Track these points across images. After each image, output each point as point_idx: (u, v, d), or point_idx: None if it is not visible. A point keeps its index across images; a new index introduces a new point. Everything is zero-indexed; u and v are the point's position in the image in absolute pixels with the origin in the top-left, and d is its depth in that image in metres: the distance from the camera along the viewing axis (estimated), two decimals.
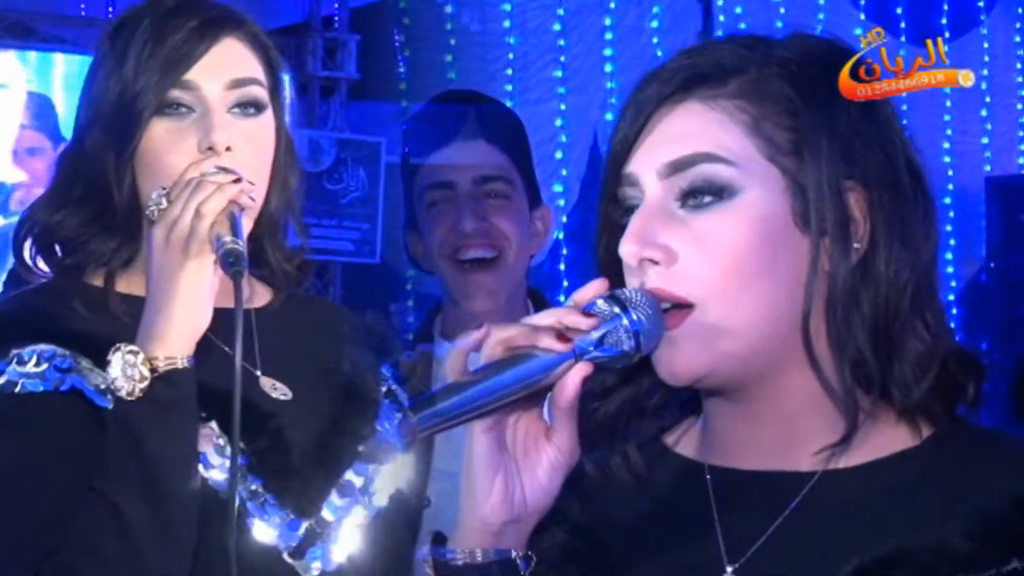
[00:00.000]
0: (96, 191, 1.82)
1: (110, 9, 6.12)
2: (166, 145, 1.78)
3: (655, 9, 7.96)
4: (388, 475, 1.88)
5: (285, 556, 1.77)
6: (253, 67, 1.85)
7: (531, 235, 2.62)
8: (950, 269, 8.21)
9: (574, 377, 1.25)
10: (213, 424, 1.74)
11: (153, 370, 1.64)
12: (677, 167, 1.28)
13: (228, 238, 1.64)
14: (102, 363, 1.66)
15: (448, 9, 7.86)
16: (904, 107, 1.35)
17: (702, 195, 1.27)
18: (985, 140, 8.55)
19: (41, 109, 6.98)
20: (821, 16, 8.09)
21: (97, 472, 1.64)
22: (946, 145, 8.40)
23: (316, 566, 1.79)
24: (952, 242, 8.26)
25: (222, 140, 1.76)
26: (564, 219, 7.35)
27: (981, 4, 8.58)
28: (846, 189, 1.27)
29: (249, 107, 1.82)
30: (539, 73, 7.99)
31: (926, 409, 1.30)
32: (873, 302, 1.27)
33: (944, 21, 8.39)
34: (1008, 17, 8.66)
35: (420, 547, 1.33)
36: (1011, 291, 7.99)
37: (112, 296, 1.81)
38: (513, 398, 1.24)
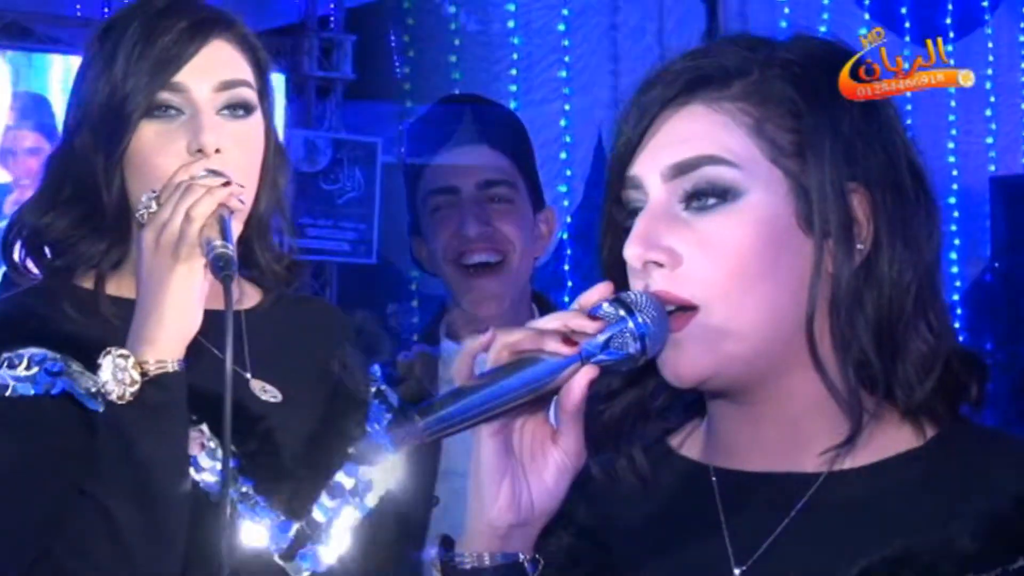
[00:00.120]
0: (85, 193, 1.82)
1: (106, 10, 6.12)
2: (155, 147, 1.78)
3: (660, 9, 7.95)
4: (378, 476, 1.88)
5: (276, 558, 1.77)
6: (242, 69, 1.84)
7: (535, 238, 2.63)
8: (954, 269, 8.20)
9: (580, 380, 1.25)
10: (204, 427, 1.74)
11: (143, 374, 1.64)
12: (681, 169, 1.28)
13: (218, 242, 1.64)
14: (93, 366, 1.66)
15: (452, 9, 7.86)
16: (908, 107, 1.35)
17: (706, 197, 1.28)
18: (989, 140, 8.54)
19: (37, 109, 6.99)
20: (825, 16, 8.08)
21: (88, 475, 1.64)
22: (950, 145, 8.39)
23: (306, 567, 1.79)
24: (956, 242, 8.25)
25: (211, 142, 1.76)
26: (568, 220, 7.35)
27: (985, 4, 8.57)
28: (849, 191, 1.27)
29: (238, 109, 1.82)
30: (543, 73, 7.98)
31: (930, 409, 1.30)
32: (876, 303, 1.27)
33: (948, 21, 8.39)
34: (1012, 17, 8.65)
35: (428, 548, 1.34)
36: (1015, 291, 7.98)
37: (102, 299, 1.81)
38: (519, 402, 1.24)
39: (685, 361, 1.28)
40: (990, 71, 8.51)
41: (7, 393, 1.70)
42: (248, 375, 1.86)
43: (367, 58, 8.08)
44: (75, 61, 1.92)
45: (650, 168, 1.30)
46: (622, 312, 1.25)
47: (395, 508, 1.92)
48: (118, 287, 1.83)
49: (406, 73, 8.11)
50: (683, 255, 1.27)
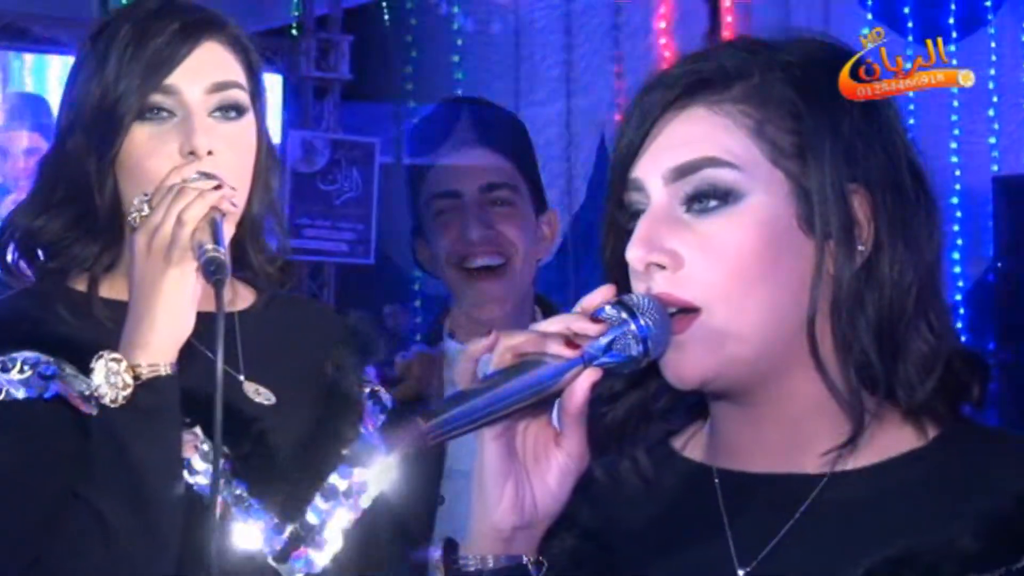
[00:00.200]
0: (78, 195, 1.82)
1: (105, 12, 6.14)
2: (147, 150, 1.78)
3: (662, 9, 7.95)
4: (372, 478, 1.87)
5: (269, 560, 1.77)
6: (234, 70, 1.84)
7: (537, 240, 2.63)
8: (957, 269, 8.19)
9: (583, 383, 1.25)
10: (197, 430, 1.74)
11: (136, 377, 1.63)
12: (682, 172, 1.29)
13: (210, 246, 1.64)
14: (86, 368, 1.66)
15: (455, 9, 7.87)
16: (911, 107, 1.35)
17: (707, 199, 1.28)
18: (992, 140, 8.54)
19: (33, 109, 7.00)
20: (828, 16, 8.08)
21: (82, 479, 1.64)
22: (953, 145, 8.38)
23: (300, 569, 1.79)
24: (959, 242, 8.25)
25: (203, 144, 1.76)
26: (571, 220, 7.35)
27: (988, 4, 8.56)
28: (850, 192, 1.28)
29: (230, 111, 1.82)
30: (546, 73, 7.99)
31: (931, 409, 1.30)
32: (877, 304, 1.27)
33: (951, 21, 8.38)
34: (1015, 17, 8.64)
35: (432, 550, 1.34)
36: (1018, 291, 7.97)
37: (95, 301, 1.81)
38: (522, 405, 1.25)
39: (687, 363, 1.28)
40: (993, 71, 8.51)
41: (1, 397, 1.70)
42: (241, 377, 1.86)
43: (364, 59, 8.08)
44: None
45: (651, 171, 1.31)
46: (624, 315, 1.26)
47: (389, 510, 1.92)
48: (111, 289, 1.83)
49: (408, 73, 8.12)
50: (685, 257, 1.27)
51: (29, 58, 7.43)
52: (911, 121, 1.28)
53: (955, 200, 8.28)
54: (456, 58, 7.96)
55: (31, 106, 6.98)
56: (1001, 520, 1.21)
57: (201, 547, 1.63)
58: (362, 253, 7.84)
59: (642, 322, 1.25)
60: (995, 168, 8.50)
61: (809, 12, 7.98)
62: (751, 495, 1.33)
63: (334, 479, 1.84)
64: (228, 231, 1.72)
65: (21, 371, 1.70)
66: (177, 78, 1.79)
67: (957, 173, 8.39)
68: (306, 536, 1.79)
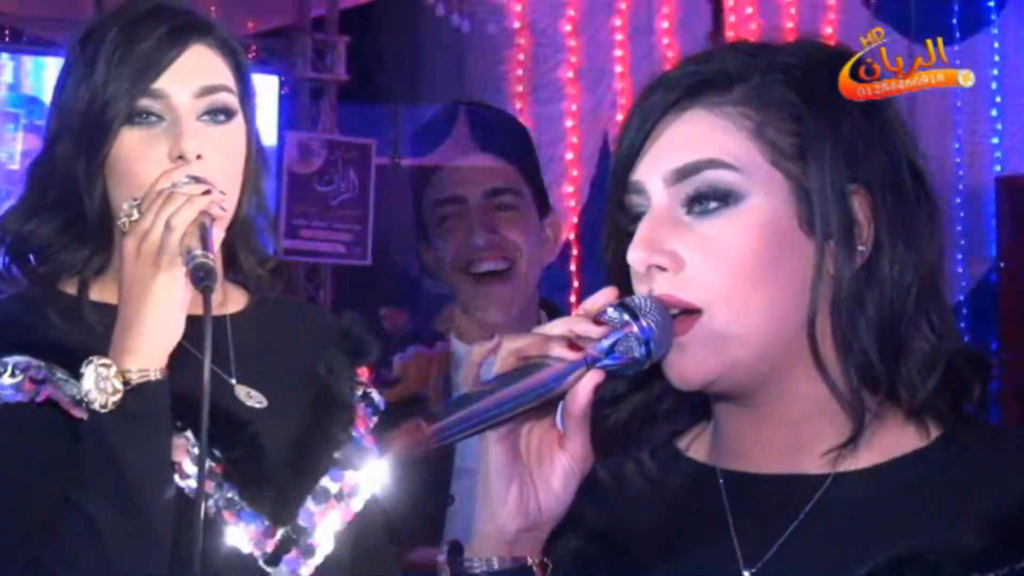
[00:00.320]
0: (67, 200, 1.81)
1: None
2: (136, 155, 1.77)
3: (665, 9, 7.95)
4: (364, 480, 1.88)
5: (261, 563, 1.76)
6: (222, 73, 1.83)
7: (541, 243, 2.65)
8: (959, 269, 8.20)
9: (586, 385, 1.26)
10: (188, 434, 1.73)
11: (126, 383, 1.63)
12: (683, 174, 1.29)
13: (199, 251, 1.63)
14: (77, 372, 1.65)
15: (464, 9, 7.86)
16: (914, 107, 1.35)
17: (708, 201, 1.28)
18: (995, 140, 8.54)
19: (31, 111, 7.02)
20: (831, 16, 8.08)
21: (73, 483, 1.63)
22: (956, 145, 8.39)
23: (292, 572, 1.79)
24: (962, 242, 8.25)
25: (192, 149, 1.75)
26: (574, 220, 7.35)
27: (992, 4, 8.57)
28: (850, 192, 1.28)
29: (219, 114, 1.81)
30: (549, 73, 7.99)
31: (933, 409, 1.30)
32: (878, 304, 1.28)
33: (954, 21, 8.39)
34: (1019, 17, 8.64)
35: (438, 551, 1.35)
36: (1020, 291, 7.98)
37: (86, 305, 1.80)
38: (526, 407, 1.25)
39: (690, 364, 1.28)
40: (996, 71, 8.52)
41: None
42: (233, 381, 1.85)
43: (361, 60, 8.08)
44: None
45: (652, 173, 1.31)
46: (627, 317, 1.26)
47: (381, 512, 1.92)
48: (102, 293, 1.82)
49: (409, 74, 8.11)
50: (686, 259, 1.28)
51: (27, 60, 7.45)
52: (913, 121, 1.27)
53: (958, 200, 8.28)
54: (460, 58, 7.95)
55: (27, 107, 7.01)
56: (1005, 519, 1.21)
57: (192, 550, 1.63)
58: (359, 254, 7.85)
59: (644, 324, 1.25)
60: (997, 168, 8.51)
61: (811, 12, 7.98)
62: (755, 496, 1.33)
63: (325, 482, 1.84)
64: (218, 235, 1.72)
65: (12, 375, 1.69)
66: (165, 82, 1.78)
67: (960, 173, 8.39)
68: (297, 539, 1.79)
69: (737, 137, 1.29)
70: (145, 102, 1.77)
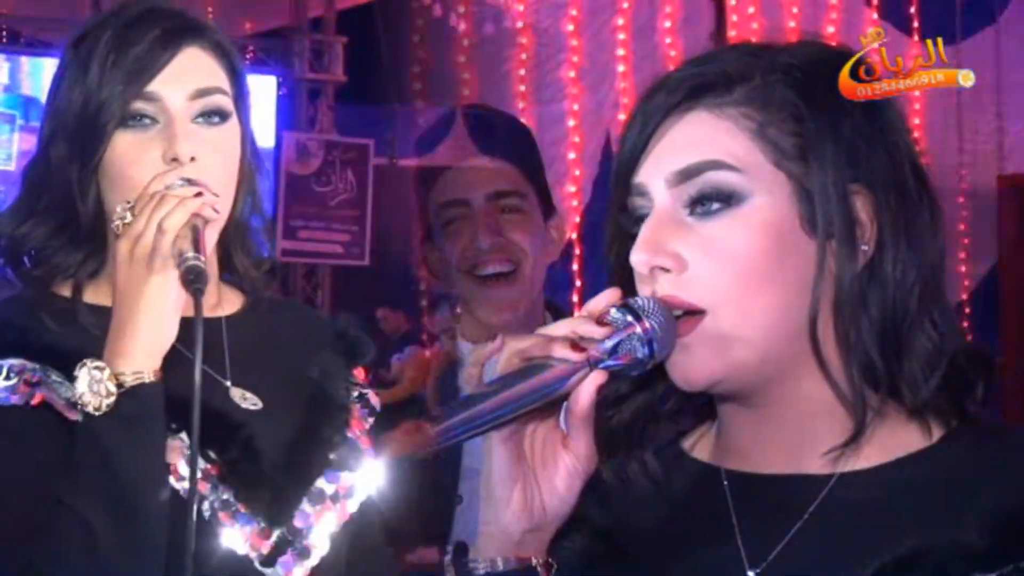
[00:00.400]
0: (62, 203, 1.81)
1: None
2: (130, 157, 1.77)
3: (668, 9, 7.95)
4: (359, 481, 1.88)
5: (256, 565, 1.76)
6: (216, 76, 1.83)
7: (546, 245, 2.66)
8: (962, 268, 8.19)
9: (589, 386, 1.26)
10: (183, 435, 1.73)
11: (120, 385, 1.63)
12: (685, 175, 1.29)
13: (190, 254, 1.63)
14: (72, 375, 1.65)
15: (461, 9, 7.87)
16: (917, 106, 1.35)
17: (710, 202, 1.28)
18: (998, 139, 8.54)
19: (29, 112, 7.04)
20: (833, 15, 8.07)
21: (67, 485, 1.63)
22: (958, 144, 8.38)
23: (287, 574, 1.79)
24: (964, 241, 8.25)
25: (186, 151, 1.75)
26: (577, 219, 7.35)
27: (994, 3, 8.56)
28: (852, 192, 1.28)
29: (213, 116, 1.81)
30: (551, 73, 7.99)
31: (937, 408, 1.31)
32: (880, 304, 1.28)
33: (957, 20, 8.38)
34: (1022, 16, 8.64)
35: (446, 550, 1.35)
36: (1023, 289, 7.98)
37: (80, 307, 1.80)
38: (530, 408, 1.25)
39: (694, 365, 1.29)
40: (999, 70, 8.50)
41: None
42: (228, 383, 1.86)
43: (358, 60, 8.09)
44: None
45: (655, 175, 1.31)
46: (630, 317, 1.26)
47: (378, 513, 1.92)
48: (96, 295, 1.82)
49: (415, 73, 8.12)
50: (689, 260, 1.28)
51: (25, 61, 7.46)
52: (916, 120, 1.27)
53: (960, 199, 8.27)
54: (462, 58, 7.96)
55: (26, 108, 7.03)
56: (1009, 517, 1.22)
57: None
58: (356, 255, 7.85)
59: (647, 325, 1.25)
60: (1000, 167, 8.50)
61: (814, 11, 7.97)
62: (760, 496, 1.33)
63: (321, 483, 1.84)
64: (211, 237, 1.73)
65: (7, 378, 1.69)
66: (159, 85, 1.78)
67: (963, 172, 8.39)
68: (293, 540, 1.79)
69: (739, 138, 1.29)
70: (139, 105, 1.78)
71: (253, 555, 1.76)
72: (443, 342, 2.68)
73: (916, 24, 8.11)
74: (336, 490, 1.85)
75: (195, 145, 1.76)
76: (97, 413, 1.62)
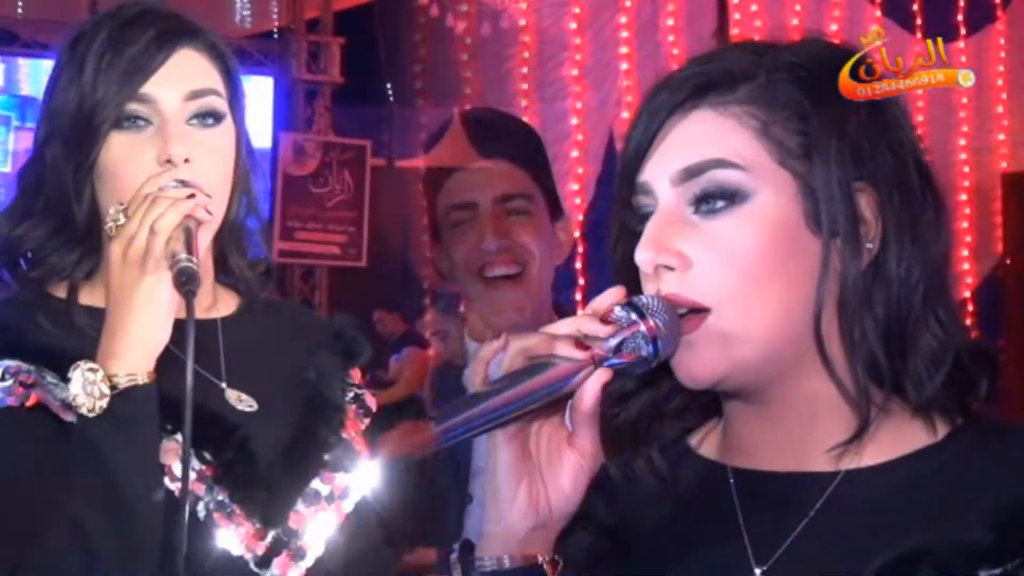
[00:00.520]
0: (57, 204, 1.81)
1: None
2: (124, 159, 1.77)
3: (670, 7, 7.95)
4: (354, 482, 1.88)
5: (252, 566, 1.77)
6: (211, 77, 1.83)
7: (553, 247, 2.66)
8: (966, 266, 8.19)
9: (594, 384, 1.26)
10: (178, 437, 1.72)
11: (113, 387, 1.63)
12: (690, 173, 1.30)
13: (183, 255, 1.64)
14: (67, 376, 1.65)
15: (464, 8, 7.87)
16: (920, 103, 1.35)
17: (714, 200, 1.29)
18: (1001, 136, 8.54)
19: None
20: (836, 13, 8.07)
21: (62, 486, 1.63)
22: (962, 141, 8.38)
23: (283, 575, 1.79)
24: (968, 238, 8.24)
25: (180, 152, 1.75)
26: (580, 217, 7.34)
27: (997, 0, 8.56)
28: (856, 190, 1.28)
29: (208, 118, 1.81)
30: (555, 71, 7.99)
31: (941, 405, 1.31)
32: (885, 302, 1.28)
33: (960, 18, 8.38)
34: None
35: (449, 550, 1.35)
36: None
37: (75, 308, 1.81)
38: (534, 406, 1.25)
39: (698, 362, 1.29)
40: (1001, 68, 8.50)
41: None
42: (223, 384, 1.86)
43: (355, 61, 8.09)
44: None
45: (659, 173, 1.32)
46: (634, 316, 1.26)
47: (374, 514, 1.93)
48: (91, 296, 1.82)
49: (416, 72, 8.12)
50: (693, 258, 1.28)
51: (24, 62, 7.47)
52: (919, 118, 1.27)
53: (964, 197, 8.27)
54: (465, 57, 7.96)
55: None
56: (1014, 513, 1.22)
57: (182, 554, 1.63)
58: (354, 256, 7.86)
59: (651, 323, 1.25)
60: (1004, 165, 8.50)
61: (817, 9, 7.97)
62: (766, 493, 1.34)
63: (316, 484, 1.84)
64: (204, 239, 1.73)
65: (2, 379, 1.70)
66: (153, 86, 1.78)
67: (966, 170, 8.39)
68: (288, 541, 1.79)
69: (743, 136, 1.29)
70: (133, 106, 1.78)
71: (248, 556, 1.76)
72: (434, 344, 2.69)
73: (919, 21, 8.10)
74: (331, 491, 1.85)
75: (189, 147, 1.76)
76: (91, 414, 1.62)
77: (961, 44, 8.33)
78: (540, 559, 1.31)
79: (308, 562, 1.81)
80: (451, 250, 2.62)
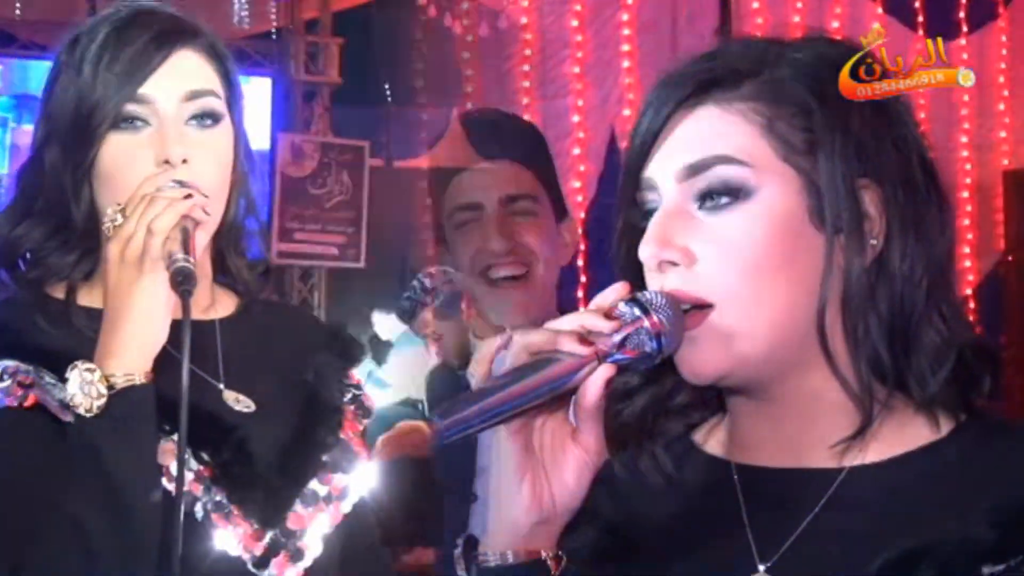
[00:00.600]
0: (55, 204, 1.82)
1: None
2: (123, 160, 1.77)
3: (673, 4, 7.94)
4: (352, 483, 1.89)
5: (250, 566, 1.77)
6: (209, 78, 1.83)
7: (559, 248, 2.66)
8: (967, 263, 8.19)
9: (597, 379, 1.26)
10: (176, 437, 1.71)
11: (111, 387, 1.63)
12: (694, 170, 1.30)
13: (179, 255, 1.64)
14: (65, 376, 1.65)
15: (464, 6, 7.86)
16: (922, 101, 1.35)
17: (719, 196, 1.29)
18: (1003, 134, 8.53)
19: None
20: (838, 10, 8.07)
21: (60, 486, 1.63)
22: (964, 139, 8.38)
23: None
24: (969, 236, 8.24)
25: (178, 153, 1.75)
26: (582, 215, 7.34)
27: None
28: (860, 187, 1.29)
29: (206, 118, 1.81)
30: (556, 69, 7.98)
31: (944, 401, 1.31)
32: (889, 298, 1.28)
33: (962, 15, 8.37)
34: None
35: (454, 546, 1.35)
36: None
37: (74, 309, 1.81)
38: (538, 402, 1.25)
39: (702, 358, 1.29)
40: (1003, 65, 8.50)
41: None
42: (221, 385, 1.86)
43: (354, 61, 8.08)
44: None
45: (664, 169, 1.32)
46: (638, 311, 1.26)
47: (372, 514, 1.93)
48: (90, 297, 1.82)
49: (417, 71, 8.11)
50: (697, 254, 1.28)
51: (22, 63, 7.46)
52: (921, 115, 1.28)
53: (965, 194, 8.27)
54: (467, 55, 7.95)
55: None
56: (1017, 510, 1.22)
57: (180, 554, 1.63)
58: (352, 257, 7.85)
59: (655, 319, 1.26)
60: (1005, 162, 8.50)
61: (818, 6, 7.97)
62: (770, 490, 1.34)
63: (314, 485, 1.85)
64: (202, 239, 1.73)
65: (1, 380, 1.70)
66: (151, 87, 1.78)
67: (967, 167, 8.38)
68: (286, 542, 1.80)
69: (747, 133, 1.29)
70: (131, 107, 1.78)
71: (246, 557, 1.77)
72: (427, 344, 2.69)
73: (921, 19, 8.10)
74: (329, 492, 1.86)
75: (187, 147, 1.77)
76: (88, 414, 1.63)
77: (963, 41, 8.32)
78: (544, 554, 1.31)
79: (306, 563, 1.81)
80: (456, 251, 2.62)
